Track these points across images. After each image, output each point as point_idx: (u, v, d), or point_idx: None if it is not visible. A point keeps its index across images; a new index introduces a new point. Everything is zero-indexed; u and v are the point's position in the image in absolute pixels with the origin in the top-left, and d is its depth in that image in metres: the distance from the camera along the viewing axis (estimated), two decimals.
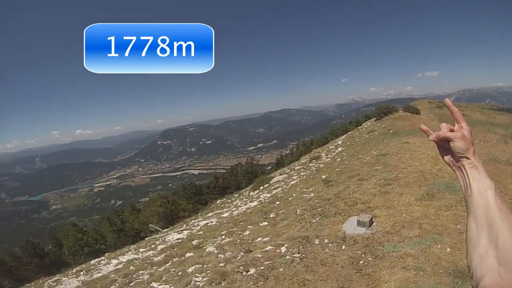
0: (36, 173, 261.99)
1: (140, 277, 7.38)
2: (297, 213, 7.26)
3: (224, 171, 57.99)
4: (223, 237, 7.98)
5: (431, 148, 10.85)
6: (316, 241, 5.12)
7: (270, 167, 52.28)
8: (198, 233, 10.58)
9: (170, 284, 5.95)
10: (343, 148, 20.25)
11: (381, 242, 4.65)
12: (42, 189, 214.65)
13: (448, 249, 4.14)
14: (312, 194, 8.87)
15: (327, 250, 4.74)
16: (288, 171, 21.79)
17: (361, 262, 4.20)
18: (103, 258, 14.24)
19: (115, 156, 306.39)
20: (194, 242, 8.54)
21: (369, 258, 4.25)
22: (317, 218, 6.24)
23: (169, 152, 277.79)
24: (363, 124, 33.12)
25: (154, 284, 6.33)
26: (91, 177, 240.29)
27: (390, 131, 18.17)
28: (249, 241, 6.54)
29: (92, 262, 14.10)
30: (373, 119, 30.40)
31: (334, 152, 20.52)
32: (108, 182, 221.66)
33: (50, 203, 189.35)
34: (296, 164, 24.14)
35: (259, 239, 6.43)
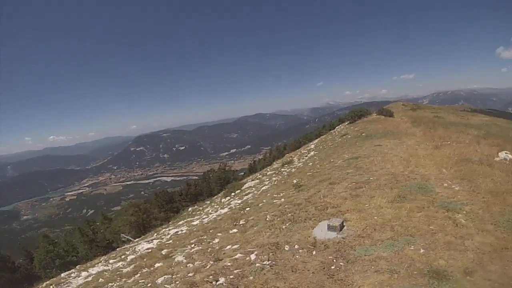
0: (7, 181, 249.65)
1: None
2: (267, 219, 7.16)
3: (197, 177, 56.84)
4: (193, 245, 7.80)
5: (403, 150, 11.02)
6: (286, 247, 5.03)
7: (242, 173, 51.63)
8: (168, 242, 10.37)
9: None
10: (315, 152, 20.19)
11: (353, 246, 4.58)
12: (13, 199, 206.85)
13: (422, 250, 4.11)
14: (282, 200, 8.79)
15: (297, 256, 4.65)
16: (260, 176, 21.59)
17: (332, 267, 4.11)
18: (73, 270, 13.59)
19: (88, 164, 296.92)
20: (164, 252, 8.33)
21: (341, 263, 4.16)
22: (287, 224, 6.16)
23: (142, 158, 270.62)
24: (336, 127, 33.28)
25: None
26: (63, 186, 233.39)
27: (363, 134, 18.31)
28: (218, 249, 6.37)
29: (62, 275, 13.43)
30: (346, 123, 30.58)
31: (306, 156, 20.46)
32: (80, 191, 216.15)
33: (21, 213, 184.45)
34: (268, 169, 24.05)
35: (228, 246, 6.29)
